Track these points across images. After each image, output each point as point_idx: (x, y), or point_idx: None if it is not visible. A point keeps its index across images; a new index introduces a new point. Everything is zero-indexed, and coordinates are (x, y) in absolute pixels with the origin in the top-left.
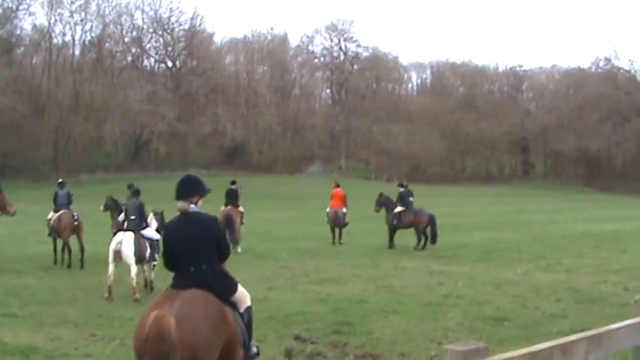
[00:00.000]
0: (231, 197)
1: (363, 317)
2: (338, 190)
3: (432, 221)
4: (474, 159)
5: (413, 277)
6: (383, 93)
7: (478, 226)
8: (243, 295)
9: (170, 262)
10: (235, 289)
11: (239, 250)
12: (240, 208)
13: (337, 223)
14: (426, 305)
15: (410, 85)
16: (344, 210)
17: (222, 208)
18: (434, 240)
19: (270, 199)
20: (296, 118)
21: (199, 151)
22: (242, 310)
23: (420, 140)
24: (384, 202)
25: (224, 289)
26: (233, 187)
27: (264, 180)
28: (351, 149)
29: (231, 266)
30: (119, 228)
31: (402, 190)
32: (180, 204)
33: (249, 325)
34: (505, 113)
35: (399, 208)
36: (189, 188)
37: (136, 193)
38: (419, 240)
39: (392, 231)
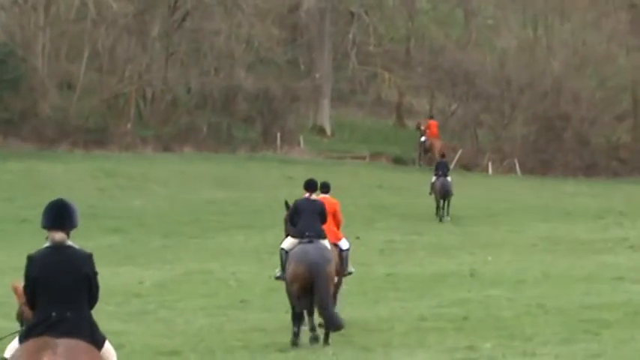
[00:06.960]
0: None
1: None
2: (325, 197)
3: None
4: None
5: None
6: None
7: None
8: (110, 354)
9: (31, 303)
10: (103, 343)
11: None
12: None
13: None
14: None
15: None
16: (342, 245)
17: None
18: None
19: (112, 230)
20: None
21: None
22: None
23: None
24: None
25: (95, 341)
26: None
27: (86, 170)
28: (349, 75)
29: None
30: None
31: None
32: (59, 235)
33: None
34: None
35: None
36: (68, 217)
37: None
38: None
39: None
